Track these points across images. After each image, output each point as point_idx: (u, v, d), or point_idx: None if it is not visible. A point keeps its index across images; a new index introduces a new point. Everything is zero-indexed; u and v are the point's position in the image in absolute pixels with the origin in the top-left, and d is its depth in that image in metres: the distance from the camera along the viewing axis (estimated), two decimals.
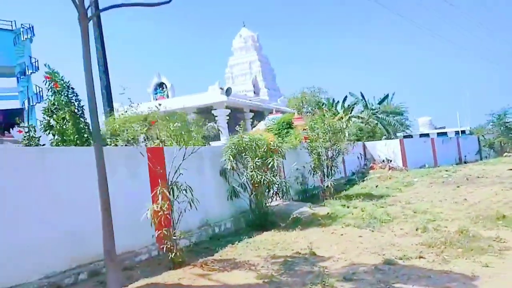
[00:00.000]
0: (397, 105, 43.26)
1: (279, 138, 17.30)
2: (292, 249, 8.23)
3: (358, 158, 27.30)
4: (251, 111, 32.73)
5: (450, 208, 12.46)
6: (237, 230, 10.65)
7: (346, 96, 39.70)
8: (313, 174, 15.72)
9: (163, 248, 7.21)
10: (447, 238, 8.40)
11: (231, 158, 10.20)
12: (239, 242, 9.14)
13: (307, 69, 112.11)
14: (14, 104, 36.84)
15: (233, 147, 10.39)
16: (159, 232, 7.05)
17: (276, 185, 10.65)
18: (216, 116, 30.28)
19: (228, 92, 30.35)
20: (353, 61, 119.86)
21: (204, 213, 9.89)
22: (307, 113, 38.49)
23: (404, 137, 42.77)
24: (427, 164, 27.61)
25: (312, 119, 17.14)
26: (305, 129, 16.45)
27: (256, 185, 10.42)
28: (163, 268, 7.19)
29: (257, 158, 10.31)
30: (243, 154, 10.44)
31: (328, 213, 12.35)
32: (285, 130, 17.75)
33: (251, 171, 10.22)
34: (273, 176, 10.51)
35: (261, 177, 10.17)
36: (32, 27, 39.73)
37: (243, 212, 11.24)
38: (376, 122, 35.83)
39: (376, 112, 37.75)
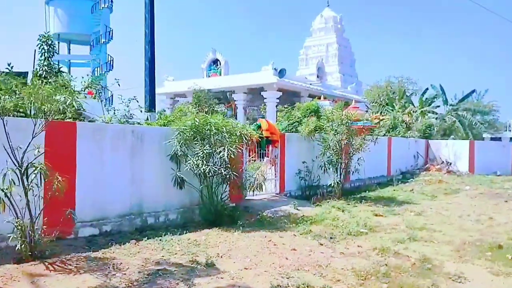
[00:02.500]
0: (487, 103, 39.11)
1: (296, 126, 15.88)
2: (197, 256, 7.04)
3: (414, 157, 24.95)
4: (310, 96, 30.92)
5: (459, 227, 10.46)
6: (183, 224, 9.47)
7: (426, 89, 36.49)
8: (325, 169, 14.06)
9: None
10: (391, 268, 6.76)
11: (179, 142, 9.07)
12: (162, 236, 8.06)
13: (392, 57, 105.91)
14: (86, 72, 38.18)
15: (185, 130, 9.24)
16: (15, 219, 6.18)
17: (228, 177, 9.27)
18: (266, 98, 29.07)
19: (281, 73, 28.82)
20: (448, 53, 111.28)
21: (136, 200, 8.93)
22: (382, 105, 36.48)
23: (491, 139, 38.75)
24: (499, 172, 24.46)
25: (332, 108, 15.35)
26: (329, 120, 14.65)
27: (207, 175, 9.20)
28: (6, 260, 6.23)
29: (207, 145, 9.09)
30: (195, 139, 9.26)
31: (309, 215, 10.88)
32: (307, 118, 16.08)
33: (197, 160, 9.01)
34: (225, 167, 9.19)
35: (207, 167, 8.94)
36: None
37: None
38: (454, 119, 32.39)
39: (457, 109, 34.23)
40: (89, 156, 8.16)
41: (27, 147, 6.21)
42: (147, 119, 12.35)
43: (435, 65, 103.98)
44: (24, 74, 10.64)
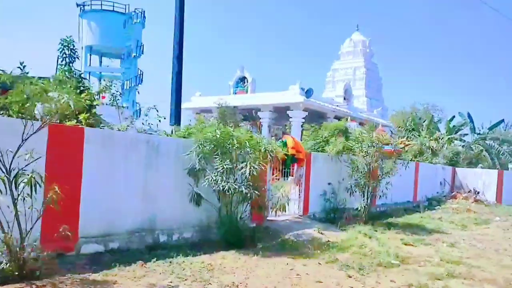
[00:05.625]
0: None
1: (323, 146, 15.14)
2: (210, 284, 6.27)
3: (441, 183, 24.03)
4: (336, 117, 30.27)
5: (498, 263, 9.52)
6: (198, 243, 8.78)
7: (453, 116, 36.08)
8: (351, 192, 13.25)
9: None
10: None
11: (197, 156, 8.40)
12: (174, 258, 7.33)
13: (419, 85, 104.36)
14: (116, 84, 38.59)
15: (204, 142, 8.58)
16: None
17: (249, 196, 8.54)
18: (291, 118, 28.44)
19: (308, 93, 28.27)
20: (472, 84, 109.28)
21: (148, 215, 8.25)
22: (408, 130, 35.76)
23: None
24: None
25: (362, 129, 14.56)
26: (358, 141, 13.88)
27: (226, 193, 8.50)
28: None
29: (228, 160, 8.40)
30: (215, 153, 8.59)
31: (335, 241, 10.08)
32: (334, 138, 15.37)
33: (216, 175, 8.32)
34: (247, 185, 8.46)
35: (227, 184, 8.24)
36: (144, 11, 41.50)
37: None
38: (481, 148, 31.51)
39: (485, 138, 33.38)
40: (98, 165, 7.50)
41: (17, 151, 5.55)
42: (172, 132, 11.81)
43: (463, 92, 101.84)
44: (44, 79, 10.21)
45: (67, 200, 6.20)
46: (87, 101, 9.48)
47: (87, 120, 8.95)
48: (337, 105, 32.19)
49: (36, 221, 5.71)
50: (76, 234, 7.02)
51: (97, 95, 9.61)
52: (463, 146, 31.88)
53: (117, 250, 7.65)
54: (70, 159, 7.11)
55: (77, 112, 8.48)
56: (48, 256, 5.78)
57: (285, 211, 10.22)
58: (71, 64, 12.40)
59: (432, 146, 27.28)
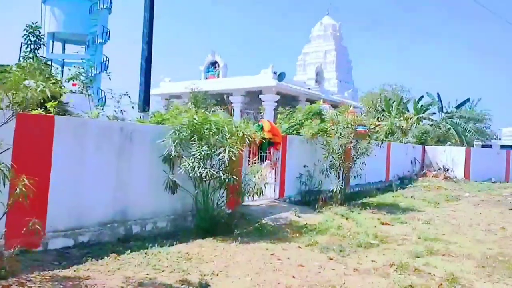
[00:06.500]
0: (480, 111, 39.03)
1: (298, 129, 15.04)
2: (189, 273, 6.09)
3: (411, 162, 24.35)
4: (307, 100, 30.23)
5: (473, 238, 9.72)
6: (173, 232, 8.53)
7: (422, 96, 36.58)
8: (326, 174, 13.20)
9: None
10: None
11: (173, 142, 8.13)
12: (149, 249, 7.05)
13: (387, 66, 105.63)
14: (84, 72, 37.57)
15: (181, 129, 8.31)
16: None
17: (227, 182, 8.33)
18: (264, 101, 28.25)
19: (281, 77, 28.14)
20: (440, 65, 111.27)
21: (120, 206, 7.94)
22: (378, 111, 36.17)
23: (482, 146, 38.68)
24: (494, 179, 24.29)
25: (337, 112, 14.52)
26: (334, 123, 13.80)
27: (203, 179, 8.29)
28: None
29: (205, 146, 8.16)
30: (192, 139, 8.33)
31: (312, 223, 10.02)
32: (309, 121, 15.29)
33: (193, 162, 8.08)
34: (225, 170, 8.26)
35: (204, 170, 8.01)
36: None
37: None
38: (449, 126, 32.09)
39: (452, 116, 34.00)
40: (68, 155, 7.12)
41: None
42: (140, 119, 11.45)
43: (431, 71, 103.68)
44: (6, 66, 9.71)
45: (35, 192, 5.89)
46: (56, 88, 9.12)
47: (55, 109, 8.59)
48: (309, 88, 32.15)
49: (2, 216, 5.36)
50: (43, 229, 6.69)
51: (67, 81, 9.21)
52: (431, 125, 32.24)
53: (87, 243, 7.27)
54: (39, 150, 6.75)
55: (41, 101, 8.10)
56: (14, 253, 5.46)
57: (262, 195, 10.06)
58: (36, 51, 11.87)
59: (402, 126, 27.76)
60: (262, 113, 28.88)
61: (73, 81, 9.72)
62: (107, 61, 40.11)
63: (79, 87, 10.09)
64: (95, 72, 38.62)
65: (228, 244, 7.75)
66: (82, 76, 9.79)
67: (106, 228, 7.65)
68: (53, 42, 39.85)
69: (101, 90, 33.22)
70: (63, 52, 41.86)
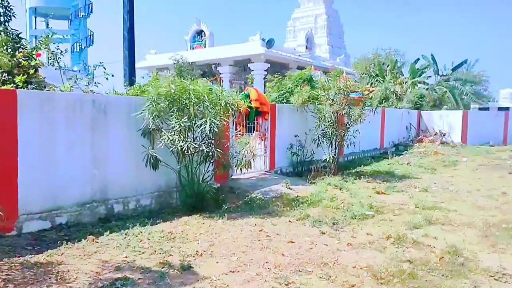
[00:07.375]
0: (477, 73, 38.42)
1: (287, 97, 14.44)
2: (170, 255, 5.62)
3: (407, 128, 23.89)
4: (298, 67, 29.43)
5: (474, 205, 9.28)
6: (158, 210, 8.06)
7: (417, 59, 35.28)
8: (318, 143, 12.68)
9: None
10: (415, 264, 5.45)
11: (151, 114, 7.55)
12: (130, 229, 6.58)
13: (381, 30, 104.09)
14: (65, 47, 36.70)
15: (158, 99, 7.71)
16: None
17: (211, 155, 7.80)
18: (253, 70, 27.45)
19: (270, 43, 27.20)
20: (437, 29, 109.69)
21: (99, 185, 7.43)
22: (372, 76, 35.45)
23: (480, 109, 38.45)
24: (491, 142, 23.73)
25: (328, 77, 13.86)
26: (325, 89, 13.16)
27: (185, 153, 7.74)
28: None
29: (185, 117, 7.58)
30: (171, 110, 7.74)
31: (304, 195, 9.55)
32: (299, 88, 14.68)
33: (173, 135, 7.51)
34: (208, 143, 7.71)
35: (185, 144, 7.46)
36: None
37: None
38: (445, 90, 31.48)
39: (448, 79, 33.30)
40: (36, 132, 6.57)
41: None
42: (126, 92, 10.81)
43: (426, 34, 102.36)
44: None
45: (2, 173, 5.35)
46: (23, 61, 8.45)
47: (25, 84, 7.96)
48: (300, 55, 31.25)
49: None
50: (15, 212, 6.19)
51: (32, 51, 8.54)
52: (427, 89, 31.63)
53: (65, 225, 6.83)
54: (1, 128, 6.17)
55: (6, 75, 7.52)
56: None
57: (251, 168, 9.53)
58: (6, 24, 11.08)
59: (397, 91, 27.09)
60: (251, 83, 28.14)
61: (36, 51, 9.01)
62: (91, 36, 39.17)
63: (50, 59, 9.41)
64: (80, 48, 37.81)
65: (215, 221, 7.28)
66: (47, 44, 9.07)
67: (85, 208, 7.18)
68: (35, 17, 38.76)
69: (89, 66, 32.36)
70: (47, 27, 40.63)
